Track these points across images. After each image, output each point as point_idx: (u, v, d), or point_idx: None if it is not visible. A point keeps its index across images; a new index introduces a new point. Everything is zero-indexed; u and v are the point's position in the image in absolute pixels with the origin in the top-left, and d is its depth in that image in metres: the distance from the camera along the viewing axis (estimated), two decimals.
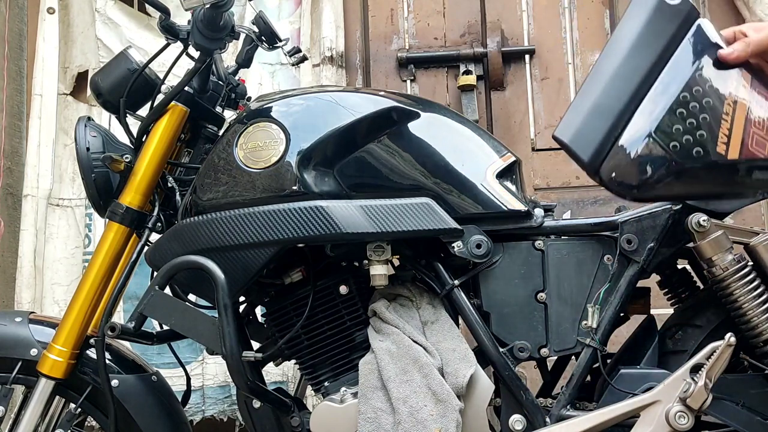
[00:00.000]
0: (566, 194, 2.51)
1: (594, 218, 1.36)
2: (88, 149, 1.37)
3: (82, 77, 2.51)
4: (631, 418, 1.21)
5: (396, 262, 1.37)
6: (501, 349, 1.29)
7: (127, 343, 1.49)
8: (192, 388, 2.19)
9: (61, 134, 2.47)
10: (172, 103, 1.40)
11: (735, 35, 1.24)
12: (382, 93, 1.41)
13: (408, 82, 2.59)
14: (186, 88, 1.40)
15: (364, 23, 2.63)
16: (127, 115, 1.42)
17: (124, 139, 1.44)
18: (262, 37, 1.51)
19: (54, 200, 2.41)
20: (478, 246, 1.27)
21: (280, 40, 1.52)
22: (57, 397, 1.39)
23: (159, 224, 1.38)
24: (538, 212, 1.33)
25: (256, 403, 1.32)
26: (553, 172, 2.54)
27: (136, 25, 2.51)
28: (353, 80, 2.57)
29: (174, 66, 1.44)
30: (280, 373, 2.28)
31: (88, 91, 2.39)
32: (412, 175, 1.30)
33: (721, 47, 1.21)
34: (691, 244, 1.28)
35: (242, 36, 1.52)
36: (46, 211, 2.39)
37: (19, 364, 1.37)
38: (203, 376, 2.27)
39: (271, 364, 1.43)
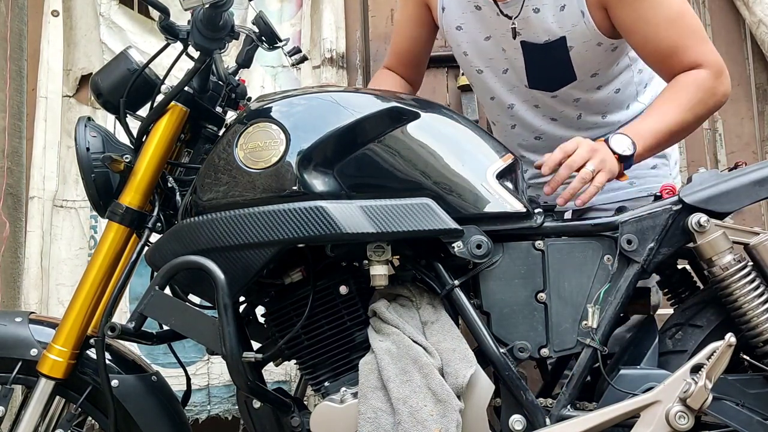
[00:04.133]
0: None
1: (594, 218, 1.37)
2: (88, 149, 1.37)
3: (85, 80, 2.51)
4: (631, 418, 1.21)
5: (396, 263, 1.37)
6: (501, 349, 1.29)
7: (127, 343, 1.49)
8: (197, 387, 2.22)
9: (65, 136, 2.47)
10: (172, 103, 1.40)
11: None
12: (382, 93, 1.41)
13: None
14: (186, 88, 1.40)
15: (364, 23, 2.62)
16: (127, 115, 1.42)
17: (125, 139, 1.44)
18: (262, 38, 1.51)
19: (59, 202, 2.42)
20: (479, 246, 1.27)
21: (280, 40, 1.52)
22: (57, 397, 1.39)
23: (159, 224, 1.38)
24: (538, 212, 1.33)
25: (256, 403, 1.32)
26: None
27: (140, 29, 2.51)
28: (353, 80, 2.57)
29: (174, 66, 1.44)
30: (283, 373, 2.28)
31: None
32: (412, 176, 1.29)
33: None
34: (691, 244, 1.28)
35: (242, 36, 1.52)
36: (51, 213, 2.40)
37: (19, 364, 1.37)
38: (209, 375, 2.28)
39: (272, 363, 1.43)
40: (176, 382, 1.57)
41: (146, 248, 1.35)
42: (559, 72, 1.57)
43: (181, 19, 1.45)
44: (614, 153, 1.35)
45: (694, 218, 1.26)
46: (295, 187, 1.26)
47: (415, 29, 1.76)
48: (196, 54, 1.39)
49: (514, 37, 1.54)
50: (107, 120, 2.32)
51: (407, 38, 1.79)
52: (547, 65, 1.56)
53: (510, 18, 1.52)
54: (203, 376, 2.27)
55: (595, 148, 1.35)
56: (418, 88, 1.88)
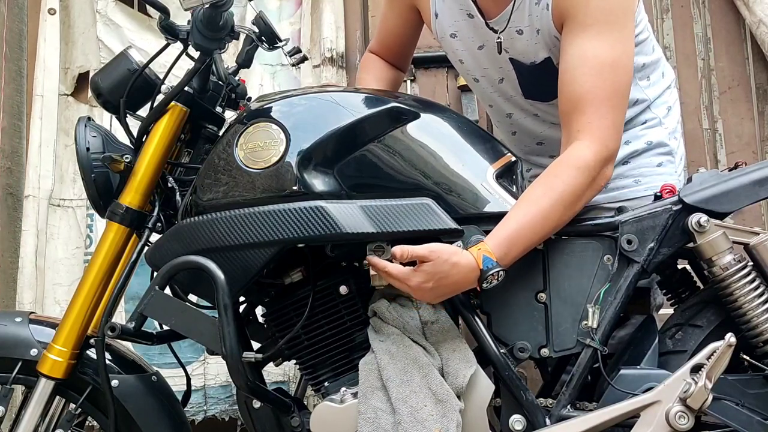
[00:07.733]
0: None
1: (594, 218, 1.36)
2: (88, 149, 1.37)
3: (83, 78, 2.51)
4: (631, 418, 1.22)
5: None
6: (501, 349, 1.29)
7: (127, 343, 1.49)
8: (194, 387, 2.22)
9: (62, 135, 2.46)
10: (172, 103, 1.39)
11: None
12: (382, 93, 1.42)
13: (408, 82, 2.58)
14: (186, 88, 1.39)
15: (364, 23, 2.62)
16: (127, 115, 1.42)
17: (125, 139, 1.44)
18: (262, 37, 1.51)
19: (55, 201, 2.41)
20: None
21: (280, 40, 1.52)
22: (57, 397, 1.39)
23: (159, 224, 1.38)
24: None
25: (256, 403, 1.33)
26: None
27: (138, 27, 2.51)
28: (353, 80, 2.57)
29: (174, 66, 1.44)
30: (282, 373, 2.28)
31: (89, 92, 2.38)
32: (412, 176, 1.30)
33: None
34: (691, 244, 1.28)
35: (242, 36, 1.52)
36: (47, 212, 2.40)
37: (19, 364, 1.37)
38: (205, 375, 2.28)
39: (271, 364, 1.43)
40: (173, 383, 1.57)
41: (146, 248, 1.35)
42: (552, 84, 1.55)
43: (181, 18, 1.45)
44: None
45: (694, 218, 1.26)
46: (295, 187, 1.26)
47: (402, 27, 1.75)
48: (196, 54, 1.39)
49: (500, 53, 1.52)
50: (104, 118, 2.32)
51: (394, 34, 1.78)
52: (539, 80, 1.53)
53: (496, 32, 1.50)
54: (200, 376, 2.26)
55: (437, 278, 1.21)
56: (406, 72, 1.87)
